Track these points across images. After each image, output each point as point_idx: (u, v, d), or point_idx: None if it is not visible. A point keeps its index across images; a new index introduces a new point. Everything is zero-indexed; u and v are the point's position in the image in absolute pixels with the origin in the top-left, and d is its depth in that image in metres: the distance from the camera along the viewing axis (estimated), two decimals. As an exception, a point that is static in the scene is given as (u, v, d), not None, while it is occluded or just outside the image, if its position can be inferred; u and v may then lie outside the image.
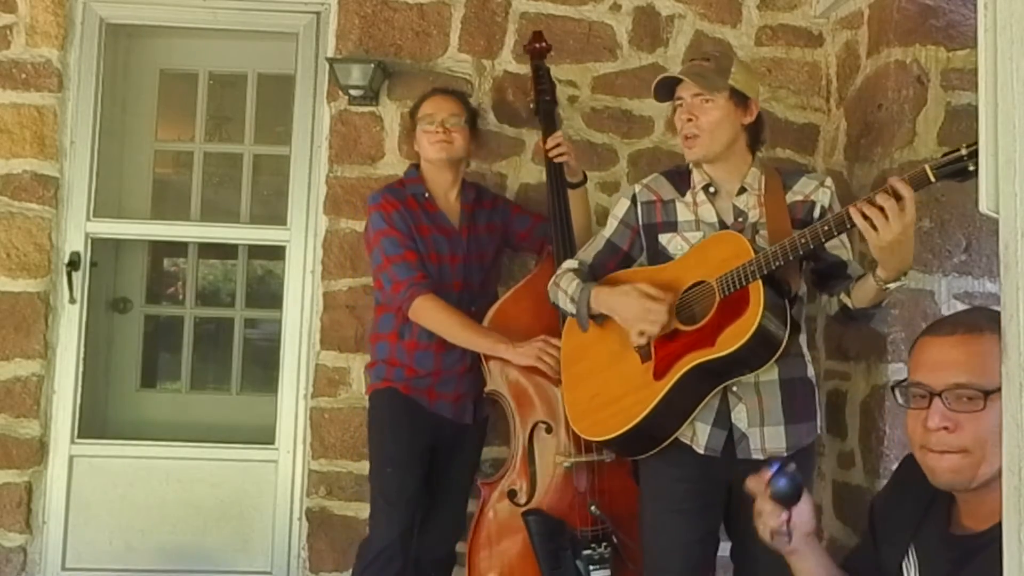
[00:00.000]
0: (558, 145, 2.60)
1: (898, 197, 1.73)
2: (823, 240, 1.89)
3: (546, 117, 2.73)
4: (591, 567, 2.36)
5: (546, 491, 2.47)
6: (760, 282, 1.93)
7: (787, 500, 1.39)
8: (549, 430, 2.50)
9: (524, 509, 2.45)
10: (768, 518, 1.41)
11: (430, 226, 2.59)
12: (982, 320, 1.27)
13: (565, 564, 2.38)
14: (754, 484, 1.45)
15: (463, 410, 2.60)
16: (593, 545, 2.38)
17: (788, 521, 1.39)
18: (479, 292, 2.64)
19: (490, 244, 2.71)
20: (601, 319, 2.19)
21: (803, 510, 1.41)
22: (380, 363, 2.60)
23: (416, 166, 2.69)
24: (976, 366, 1.24)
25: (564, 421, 2.42)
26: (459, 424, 2.60)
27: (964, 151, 1.63)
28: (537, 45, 2.83)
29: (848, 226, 1.84)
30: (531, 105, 2.81)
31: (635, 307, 2.07)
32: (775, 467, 1.40)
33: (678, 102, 2.16)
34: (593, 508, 2.41)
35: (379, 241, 2.54)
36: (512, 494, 2.49)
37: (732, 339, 1.93)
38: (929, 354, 1.31)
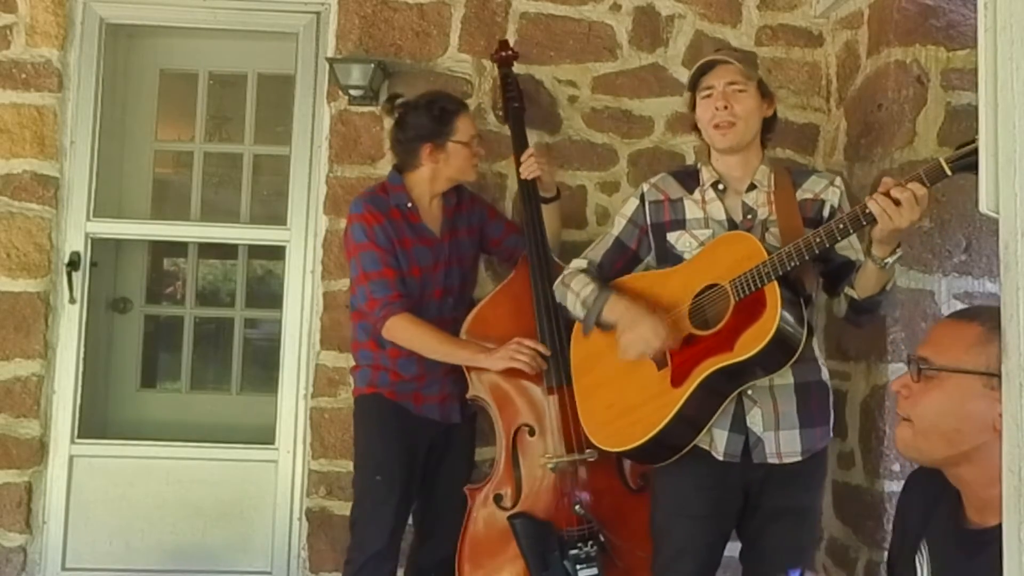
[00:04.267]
0: (531, 157, 2.61)
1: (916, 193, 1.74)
2: (838, 239, 1.88)
3: (516, 123, 2.75)
4: (578, 566, 2.37)
5: (531, 494, 2.47)
6: (776, 283, 1.91)
7: None
8: (532, 433, 2.50)
9: (510, 513, 2.45)
10: None
11: (413, 238, 2.56)
12: (986, 313, 1.28)
13: (553, 566, 2.38)
14: None
15: (450, 411, 2.60)
16: (580, 544, 2.38)
17: None
18: (459, 297, 2.64)
19: (470, 247, 2.71)
20: (608, 327, 2.17)
21: None
22: (364, 367, 2.59)
23: (399, 169, 2.64)
24: (938, 344, 1.30)
25: (547, 423, 2.44)
26: (447, 424, 2.60)
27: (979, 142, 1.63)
28: (504, 53, 2.84)
29: (863, 223, 1.82)
30: (499, 113, 2.83)
31: (643, 328, 2.06)
32: None
33: (705, 92, 2.14)
34: (578, 507, 2.41)
35: (358, 254, 2.50)
36: (498, 499, 2.49)
37: (751, 343, 1.91)
38: None
